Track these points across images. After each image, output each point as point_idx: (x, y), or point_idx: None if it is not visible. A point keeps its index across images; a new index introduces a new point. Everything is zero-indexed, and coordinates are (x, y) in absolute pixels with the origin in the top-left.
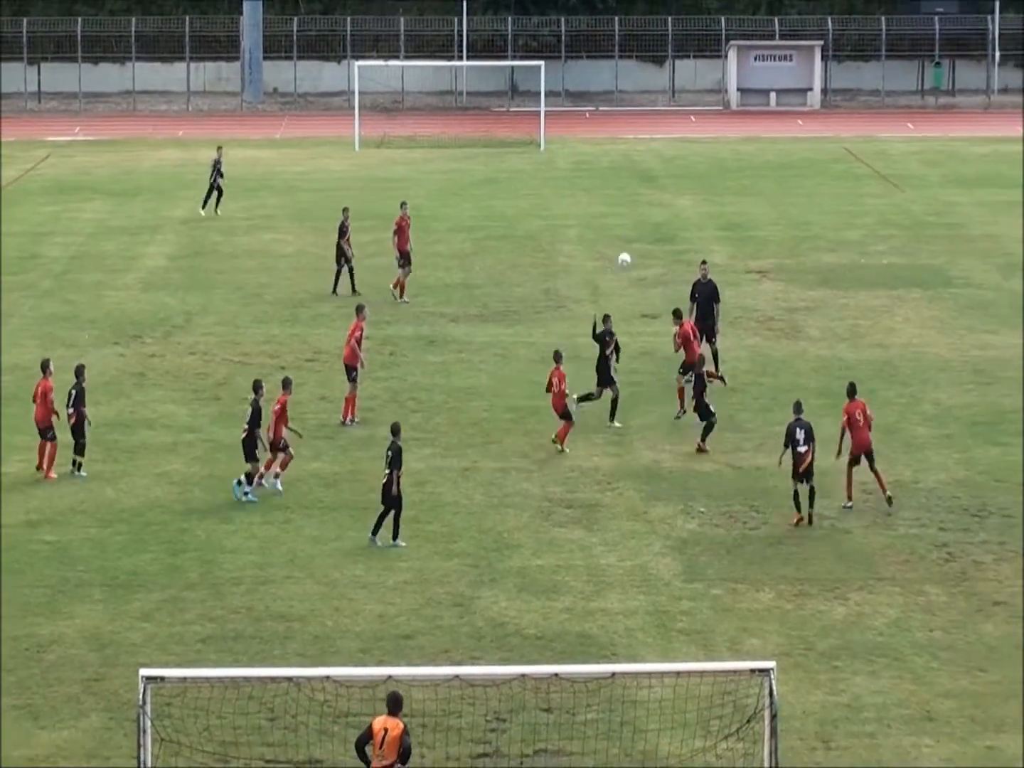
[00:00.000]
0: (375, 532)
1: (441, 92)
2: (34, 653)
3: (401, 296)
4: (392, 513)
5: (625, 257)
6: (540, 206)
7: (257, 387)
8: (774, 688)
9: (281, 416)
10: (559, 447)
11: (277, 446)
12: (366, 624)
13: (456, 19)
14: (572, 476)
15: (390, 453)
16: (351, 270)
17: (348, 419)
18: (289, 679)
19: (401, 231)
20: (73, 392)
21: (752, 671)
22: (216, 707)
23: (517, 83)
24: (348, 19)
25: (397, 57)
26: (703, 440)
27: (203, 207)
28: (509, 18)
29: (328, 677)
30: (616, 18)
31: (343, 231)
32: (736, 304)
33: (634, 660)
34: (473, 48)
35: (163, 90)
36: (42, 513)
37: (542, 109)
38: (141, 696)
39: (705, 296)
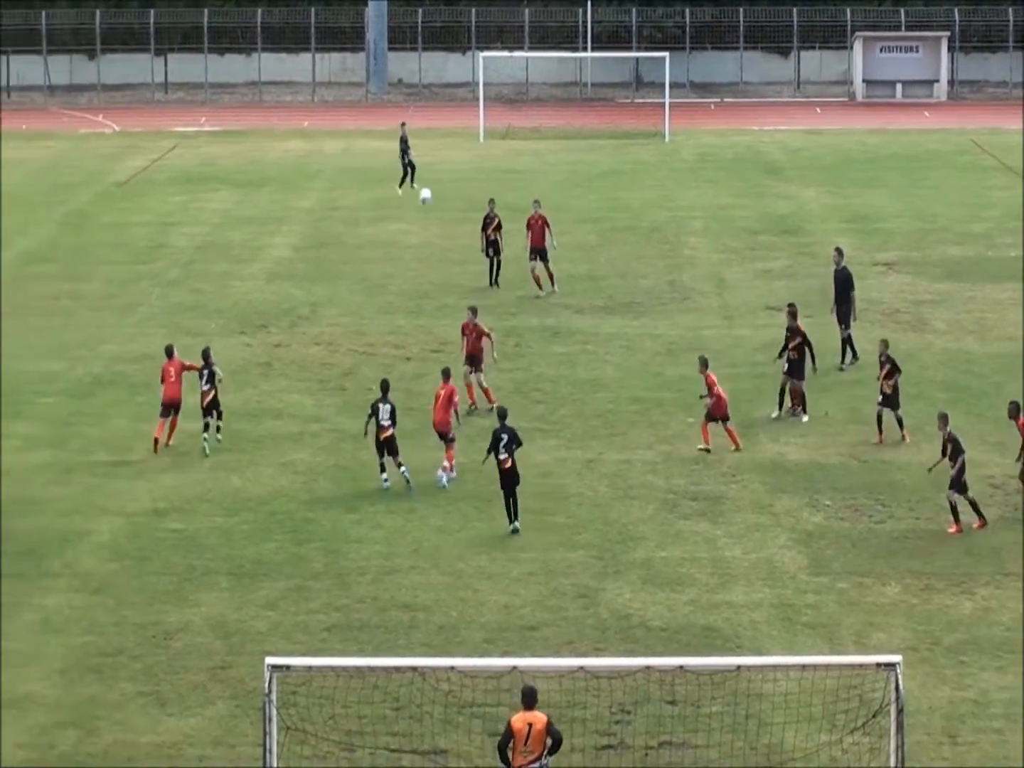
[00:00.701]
0: (515, 516)
1: (565, 83)
2: (161, 640)
3: (542, 288)
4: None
5: (426, 194)
6: (665, 197)
7: (385, 388)
8: (900, 683)
9: (448, 404)
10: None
11: (448, 436)
12: (491, 615)
13: (580, 10)
14: (697, 468)
15: (505, 436)
16: (499, 263)
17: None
18: (414, 669)
19: (532, 228)
20: (206, 372)
21: (878, 665)
22: (341, 696)
23: (642, 74)
24: (472, 10)
25: (521, 48)
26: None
27: (400, 186)
28: (633, 9)
29: (453, 667)
30: (741, 9)
31: (488, 222)
32: (862, 296)
33: (759, 653)
34: (598, 39)
35: (288, 81)
36: (169, 501)
37: (667, 100)
38: (267, 684)
39: (839, 283)
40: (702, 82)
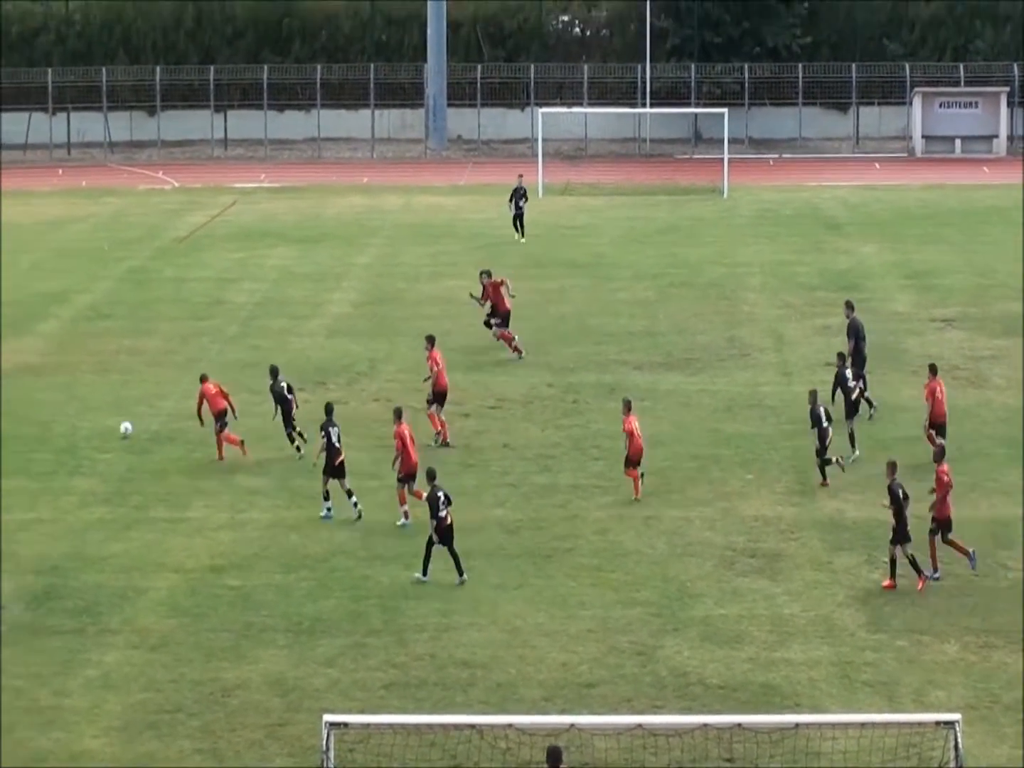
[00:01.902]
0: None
1: (624, 139)
2: (218, 697)
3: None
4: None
5: (127, 426)
6: (723, 253)
7: (329, 410)
8: (960, 741)
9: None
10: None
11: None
12: (549, 672)
13: (639, 66)
14: (755, 526)
15: (442, 494)
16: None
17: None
18: (472, 726)
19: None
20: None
21: (937, 724)
22: (399, 753)
23: (700, 130)
24: (532, 66)
25: (581, 104)
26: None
27: (521, 235)
28: (692, 65)
29: (511, 725)
30: (800, 65)
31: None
32: (920, 352)
33: (818, 711)
34: (656, 95)
35: (348, 137)
36: (227, 558)
37: (725, 156)
38: (325, 742)
39: (853, 334)
40: (761, 138)
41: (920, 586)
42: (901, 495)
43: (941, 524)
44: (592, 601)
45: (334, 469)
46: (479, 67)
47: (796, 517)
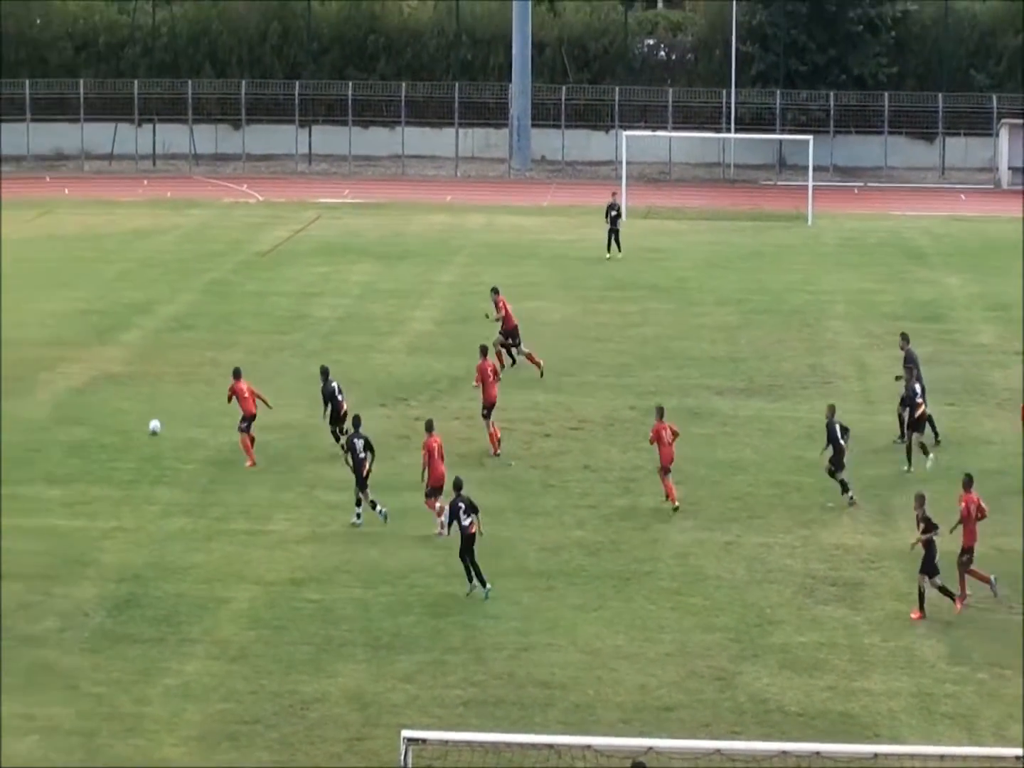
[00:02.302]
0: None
1: (708, 164)
2: (297, 710)
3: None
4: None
5: (156, 424)
6: (807, 281)
7: (356, 423)
8: None
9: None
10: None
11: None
12: (627, 695)
13: (724, 91)
14: (836, 554)
15: (463, 504)
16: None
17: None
18: (550, 746)
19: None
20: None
21: (1017, 758)
22: None
23: (785, 157)
24: (616, 89)
25: (665, 128)
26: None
27: (608, 250)
28: (778, 92)
29: (589, 746)
30: (886, 94)
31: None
32: (1004, 386)
33: (896, 742)
34: (741, 121)
35: (431, 155)
36: (307, 572)
37: (810, 183)
38: (403, 758)
39: (911, 364)
40: (846, 166)
41: (958, 608)
42: (932, 524)
43: (965, 551)
44: (671, 625)
45: (363, 479)
46: (564, 88)
47: (877, 546)
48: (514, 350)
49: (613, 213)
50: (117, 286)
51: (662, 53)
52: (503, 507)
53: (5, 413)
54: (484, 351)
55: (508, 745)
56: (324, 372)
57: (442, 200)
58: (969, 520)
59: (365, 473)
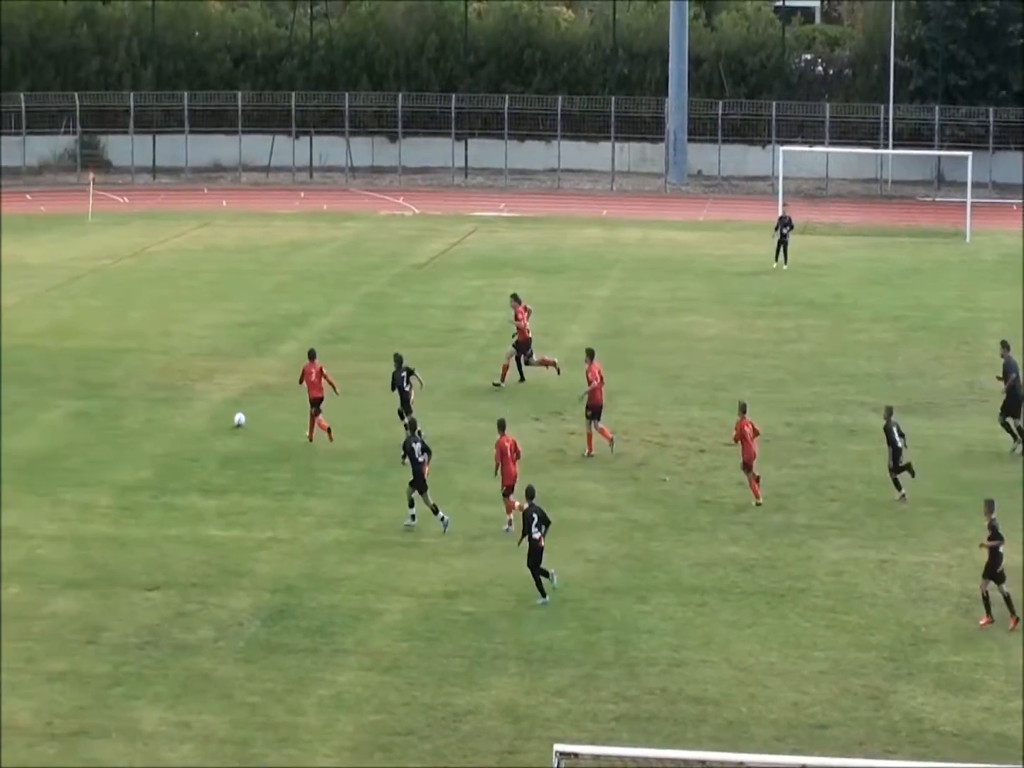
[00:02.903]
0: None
1: (865, 180)
2: (450, 723)
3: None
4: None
5: (240, 417)
6: (965, 298)
7: (413, 425)
8: None
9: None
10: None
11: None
12: (780, 712)
13: (882, 107)
14: None
15: (536, 515)
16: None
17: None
18: (702, 763)
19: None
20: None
21: None
22: None
23: (943, 173)
24: (773, 104)
25: (822, 143)
26: None
27: (775, 260)
28: (936, 107)
29: (742, 763)
30: None
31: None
32: None
33: None
34: (899, 136)
35: (587, 169)
36: (460, 584)
37: (968, 200)
38: None
39: (1011, 372)
40: (1005, 182)
41: (1012, 625)
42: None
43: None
44: (825, 642)
45: (419, 482)
46: (720, 103)
47: None
48: (525, 365)
49: (784, 225)
50: (273, 298)
51: (819, 68)
52: (657, 522)
53: (163, 422)
54: (591, 354)
55: (660, 760)
56: (398, 360)
57: (598, 214)
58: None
59: (424, 476)
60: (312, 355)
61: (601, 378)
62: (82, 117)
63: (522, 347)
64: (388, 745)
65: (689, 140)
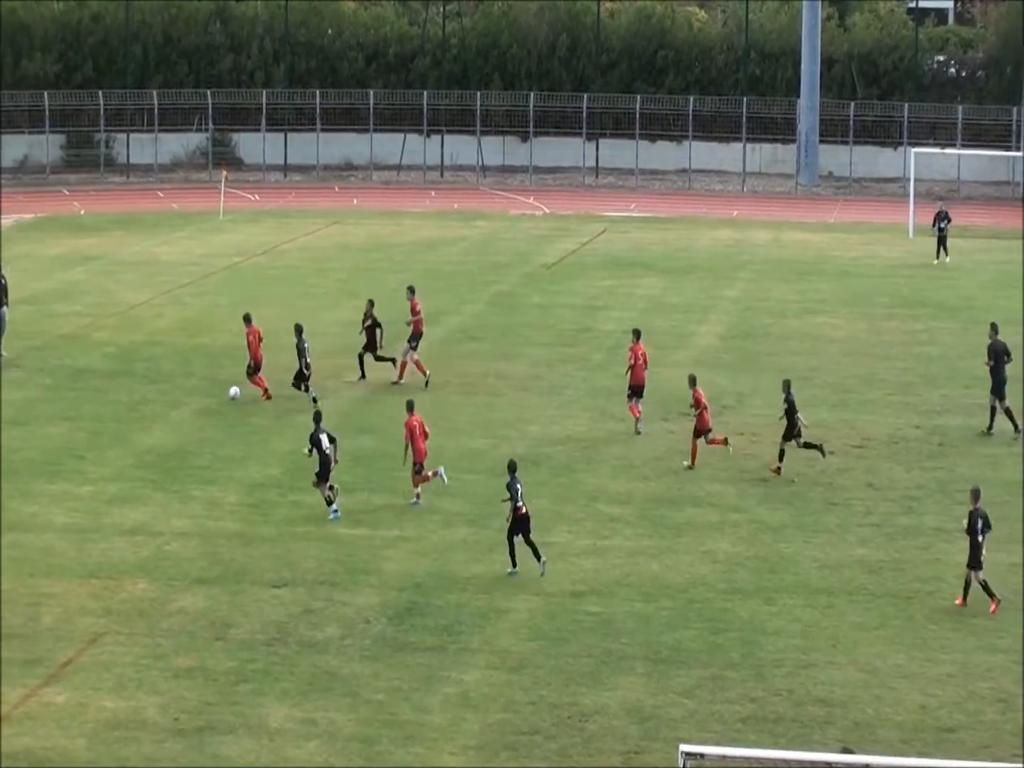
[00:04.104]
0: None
1: (997, 182)
2: (576, 722)
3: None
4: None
5: (235, 390)
6: None
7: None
8: None
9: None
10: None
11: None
12: (907, 714)
13: (1015, 109)
14: None
15: (520, 486)
16: None
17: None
18: (828, 765)
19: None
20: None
21: None
22: None
23: None
24: (905, 106)
25: (954, 145)
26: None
27: (936, 257)
28: None
29: (868, 766)
30: None
31: None
32: None
33: None
34: None
35: (718, 170)
36: (588, 584)
37: None
38: None
39: (996, 355)
40: None
41: (993, 609)
42: (979, 524)
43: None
44: (953, 645)
45: (324, 473)
46: (852, 104)
47: None
48: (412, 353)
49: (942, 221)
50: (403, 296)
51: (952, 69)
52: (785, 523)
53: (292, 420)
54: (637, 334)
55: (787, 762)
56: (299, 330)
57: (728, 215)
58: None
59: (331, 467)
60: (248, 320)
61: (645, 360)
62: (214, 115)
63: (416, 339)
64: (514, 744)
65: (820, 141)
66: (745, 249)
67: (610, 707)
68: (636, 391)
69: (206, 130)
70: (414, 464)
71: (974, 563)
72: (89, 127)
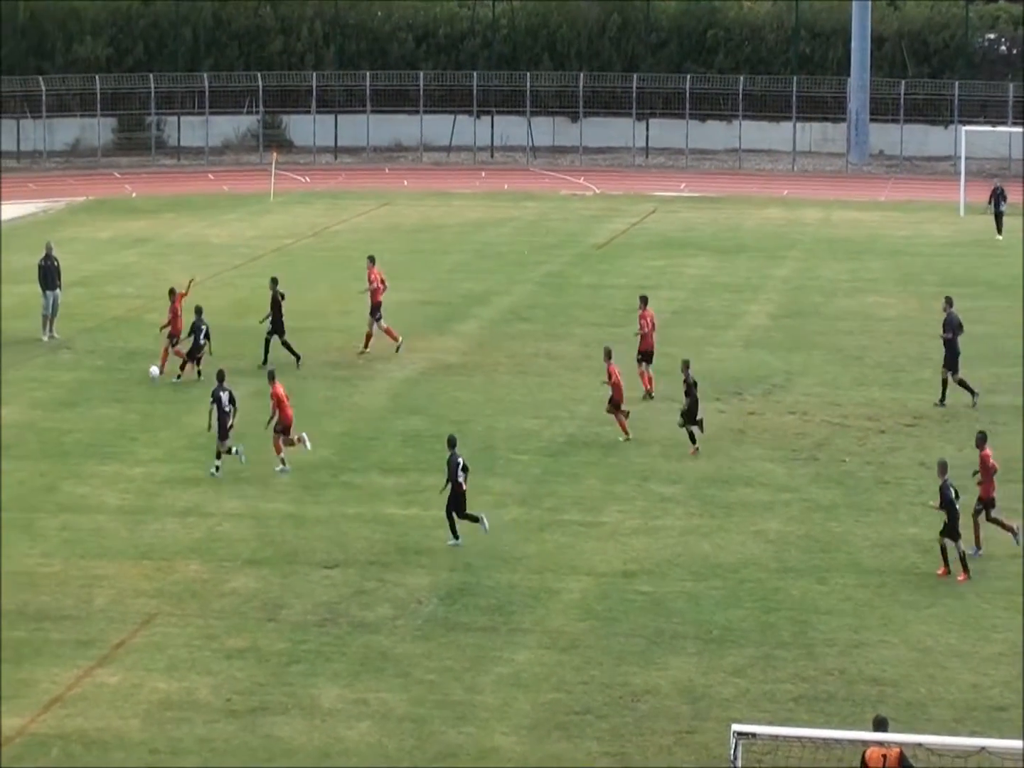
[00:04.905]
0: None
1: None
2: (628, 702)
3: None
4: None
5: (154, 370)
6: None
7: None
8: None
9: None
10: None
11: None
12: (959, 693)
13: None
14: None
15: (462, 460)
16: None
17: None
18: (880, 743)
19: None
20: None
21: None
22: (807, 767)
23: None
24: (956, 84)
25: (1005, 123)
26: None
27: (999, 233)
28: None
29: (921, 744)
30: None
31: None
32: None
33: None
34: None
35: (768, 149)
36: (639, 564)
37: None
38: (732, 751)
39: (953, 327)
40: None
41: (962, 578)
42: (953, 494)
43: (985, 504)
44: (1005, 624)
45: (222, 432)
46: (903, 83)
47: None
48: (377, 324)
49: (999, 199)
50: (454, 277)
51: (1003, 47)
52: (836, 502)
53: (343, 401)
54: (644, 300)
55: (839, 742)
56: (198, 311)
57: (778, 194)
58: (986, 472)
59: (229, 426)
60: (172, 293)
61: (653, 324)
62: (265, 97)
63: (376, 309)
64: (565, 724)
65: (871, 120)
66: (795, 228)
67: (661, 687)
68: (646, 356)
69: (256, 112)
70: (277, 427)
71: (953, 533)
72: (140, 110)
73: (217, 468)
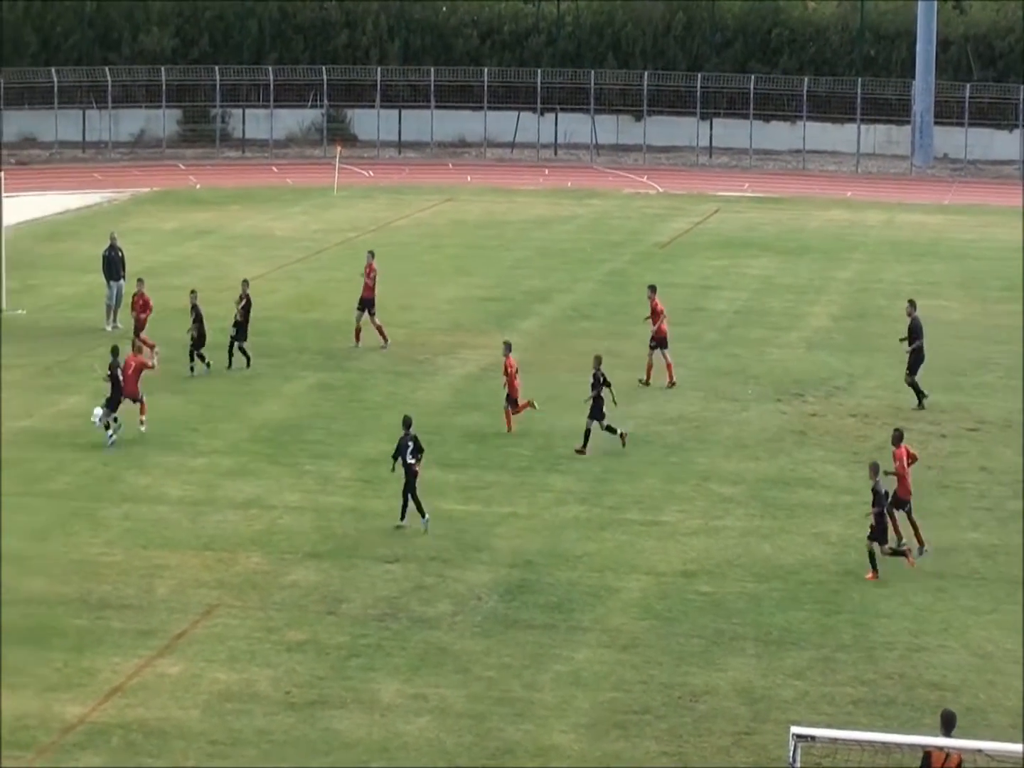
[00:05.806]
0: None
1: None
2: (686, 702)
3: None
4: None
5: (97, 411)
6: None
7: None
8: None
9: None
10: None
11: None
12: (1018, 699)
13: None
14: None
15: (411, 443)
16: None
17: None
18: (939, 749)
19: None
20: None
21: None
22: None
23: None
24: (1021, 87)
25: None
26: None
27: None
28: None
29: (980, 750)
30: None
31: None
32: None
33: None
34: None
35: (832, 150)
36: (699, 564)
37: None
38: (791, 754)
39: (918, 332)
40: None
41: (910, 563)
42: (884, 494)
43: (898, 502)
44: None
45: (113, 403)
46: (968, 86)
47: None
48: (365, 318)
49: None
50: (516, 274)
51: None
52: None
53: (405, 396)
54: (653, 289)
55: (899, 746)
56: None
57: (842, 195)
58: (900, 470)
59: (121, 399)
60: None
61: (662, 314)
62: (329, 91)
63: (367, 304)
64: (624, 723)
65: (935, 123)
66: (859, 230)
67: (720, 687)
68: (661, 342)
69: (321, 106)
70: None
71: (880, 537)
72: (205, 102)
73: (112, 437)
